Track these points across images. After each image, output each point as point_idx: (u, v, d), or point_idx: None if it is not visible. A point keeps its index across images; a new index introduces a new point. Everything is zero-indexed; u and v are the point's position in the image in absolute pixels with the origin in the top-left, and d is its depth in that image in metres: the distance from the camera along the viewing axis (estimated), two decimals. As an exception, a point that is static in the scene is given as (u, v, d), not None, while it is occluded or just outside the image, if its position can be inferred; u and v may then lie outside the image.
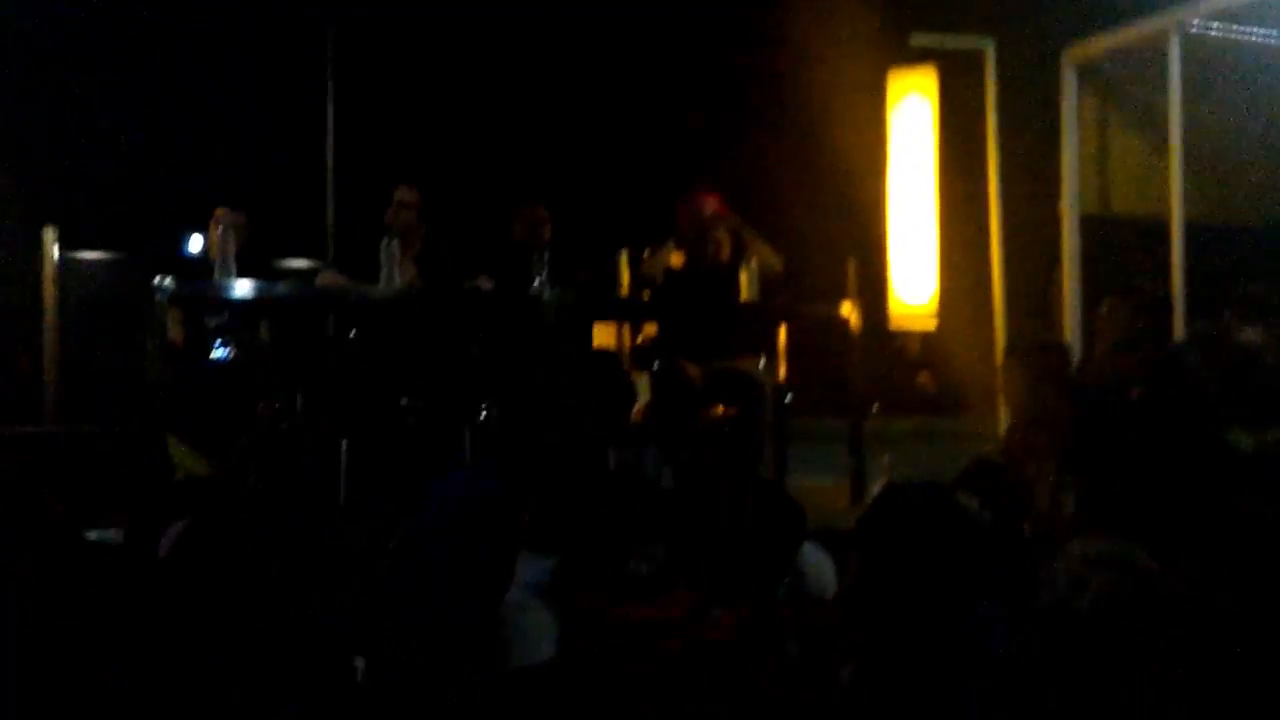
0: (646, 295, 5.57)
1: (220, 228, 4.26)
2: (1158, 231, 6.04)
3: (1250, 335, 5.09)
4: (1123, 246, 6.28)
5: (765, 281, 5.37)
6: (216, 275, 4.12)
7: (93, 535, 3.43)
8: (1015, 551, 3.26)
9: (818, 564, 3.52)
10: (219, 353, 4.31)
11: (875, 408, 5.85)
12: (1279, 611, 2.54)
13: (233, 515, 2.15)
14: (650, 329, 6.02)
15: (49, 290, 5.36)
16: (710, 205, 5.76)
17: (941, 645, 2.37)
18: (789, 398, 5.52)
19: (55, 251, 5.34)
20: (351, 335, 4.97)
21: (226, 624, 1.97)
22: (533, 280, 4.75)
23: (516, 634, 2.93)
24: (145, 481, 3.21)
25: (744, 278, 5.19)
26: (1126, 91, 6.45)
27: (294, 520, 2.45)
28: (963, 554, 2.55)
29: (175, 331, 4.48)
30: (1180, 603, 1.88)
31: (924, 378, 6.96)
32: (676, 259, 5.64)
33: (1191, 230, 5.99)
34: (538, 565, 3.32)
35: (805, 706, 2.23)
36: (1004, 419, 5.78)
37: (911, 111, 6.32)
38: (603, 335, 6.29)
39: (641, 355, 6.06)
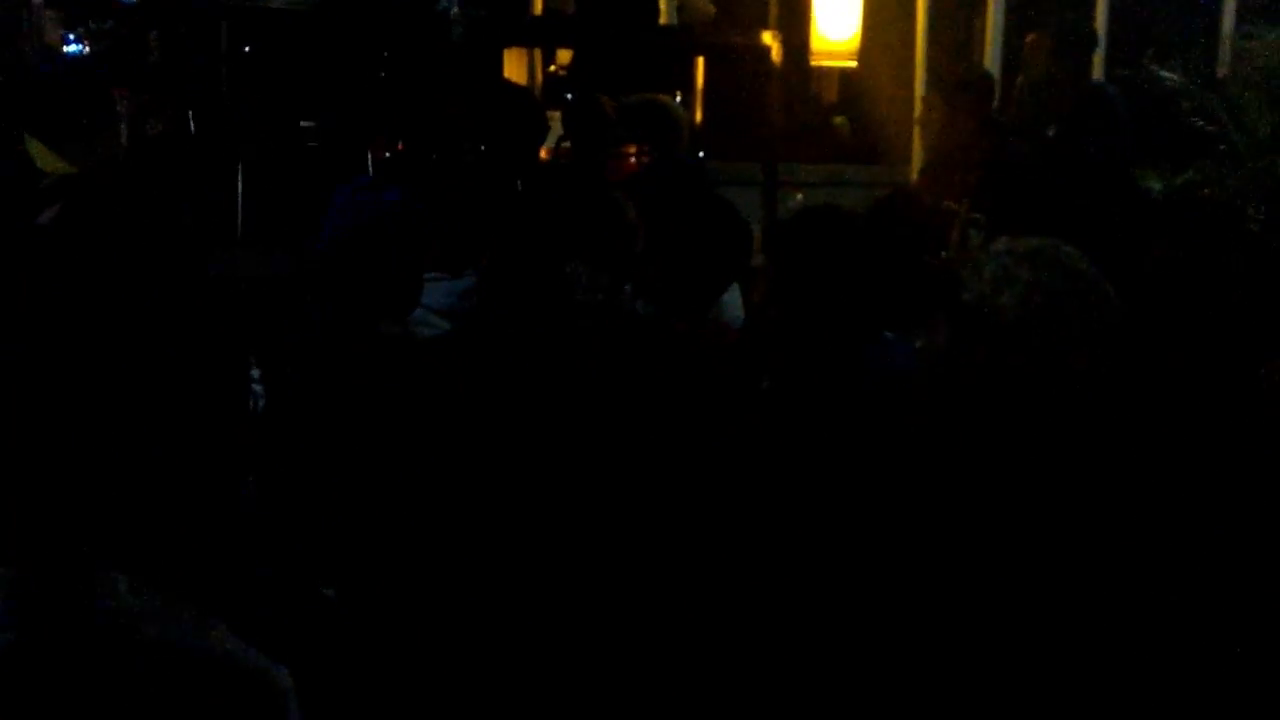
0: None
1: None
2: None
3: (1169, 77, 5.04)
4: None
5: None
6: (96, -29, 3.84)
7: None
8: (920, 284, 3.27)
9: (732, 294, 3.53)
10: (72, 48, 4.05)
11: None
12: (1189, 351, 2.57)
13: (107, 202, 2.03)
14: (564, 58, 5.81)
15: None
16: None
17: (841, 365, 2.38)
18: (700, 154, 5.41)
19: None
20: (246, 49, 4.71)
21: (104, 309, 1.86)
22: (439, -4, 4.51)
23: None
24: (13, 184, 3.04)
25: (661, 2, 4.97)
26: None
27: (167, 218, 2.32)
28: (867, 272, 2.55)
29: (53, 35, 4.19)
30: (1110, 302, 1.82)
31: (840, 122, 6.85)
32: None
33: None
34: (445, 287, 3.27)
35: (728, 417, 2.23)
36: (918, 167, 5.74)
37: None
38: (513, 67, 6.07)
39: (554, 88, 5.87)
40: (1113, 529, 1.76)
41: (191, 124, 4.36)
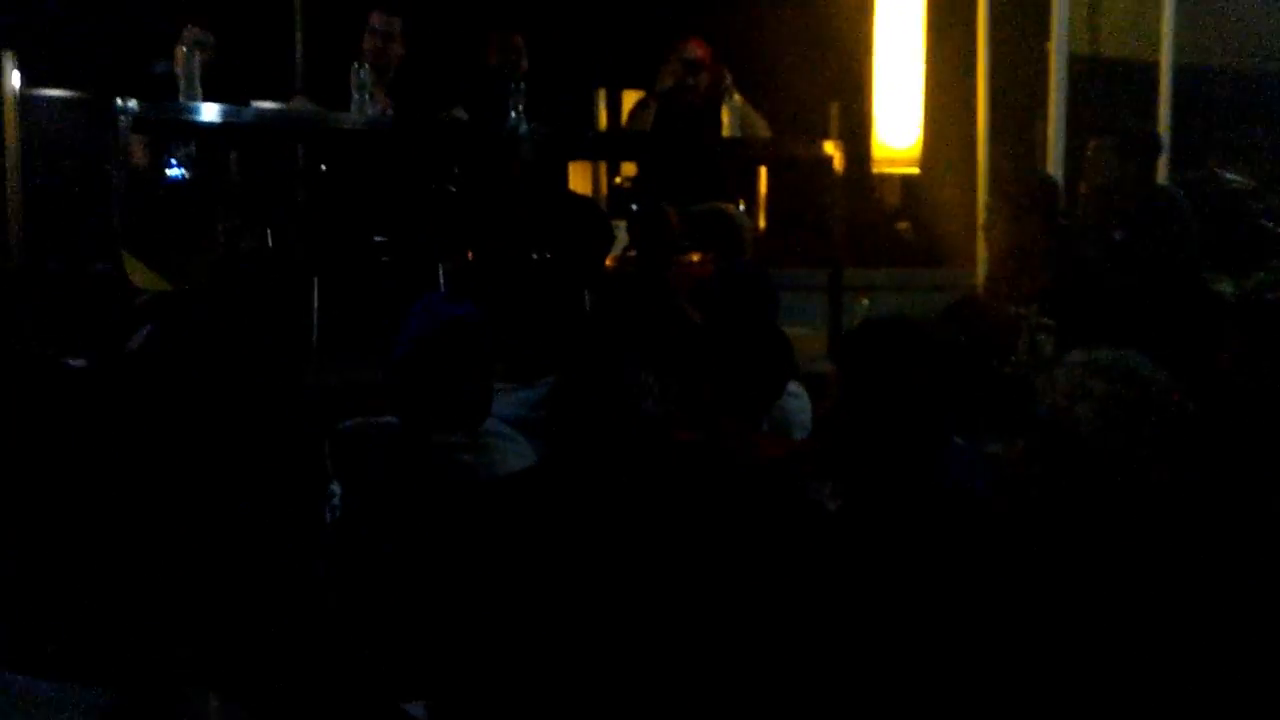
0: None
1: (186, 46, 4.11)
2: (1147, 73, 5.96)
3: (1235, 180, 5.04)
4: (1111, 88, 6.19)
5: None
6: (182, 97, 3.98)
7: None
8: (991, 390, 3.25)
9: (800, 401, 3.54)
10: (174, 172, 4.20)
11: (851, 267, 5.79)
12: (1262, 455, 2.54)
13: (198, 324, 2.08)
14: (629, 169, 5.92)
15: (9, 124, 5.18)
16: (696, 50, 5.63)
17: (913, 474, 2.36)
18: (764, 257, 5.47)
19: (15, 80, 5.15)
20: (322, 168, 4.85)
21: (192, 431, 1.91)
22: (509, 113, 4.63)
23: (496, 459, 2.92)
24: (113, 311, 3.15)
25: (725, 115, 5.07)
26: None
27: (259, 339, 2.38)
28: (938, 379, 2.53)
29: (140, 157, 4.35)
30: (1187, 416, 1.81)
31: (904, 226, 6.89)
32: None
33: (1180, 72, 5.91)
34: (515, 397, 3.31)
35: (793, 535, 2.22)
36: (983, 270, 5.76)
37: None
38: (579, 179, 6.20)
39: (620, 198, 5.97)
40: (1192, 641, 1.73)
41: (270, 240, 4.49)
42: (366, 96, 4.33)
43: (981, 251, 5.86)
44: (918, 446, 2.46)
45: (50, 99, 6.13)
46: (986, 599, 1.81)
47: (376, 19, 5.06)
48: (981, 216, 5.53)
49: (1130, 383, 1.81)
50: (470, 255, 4.99)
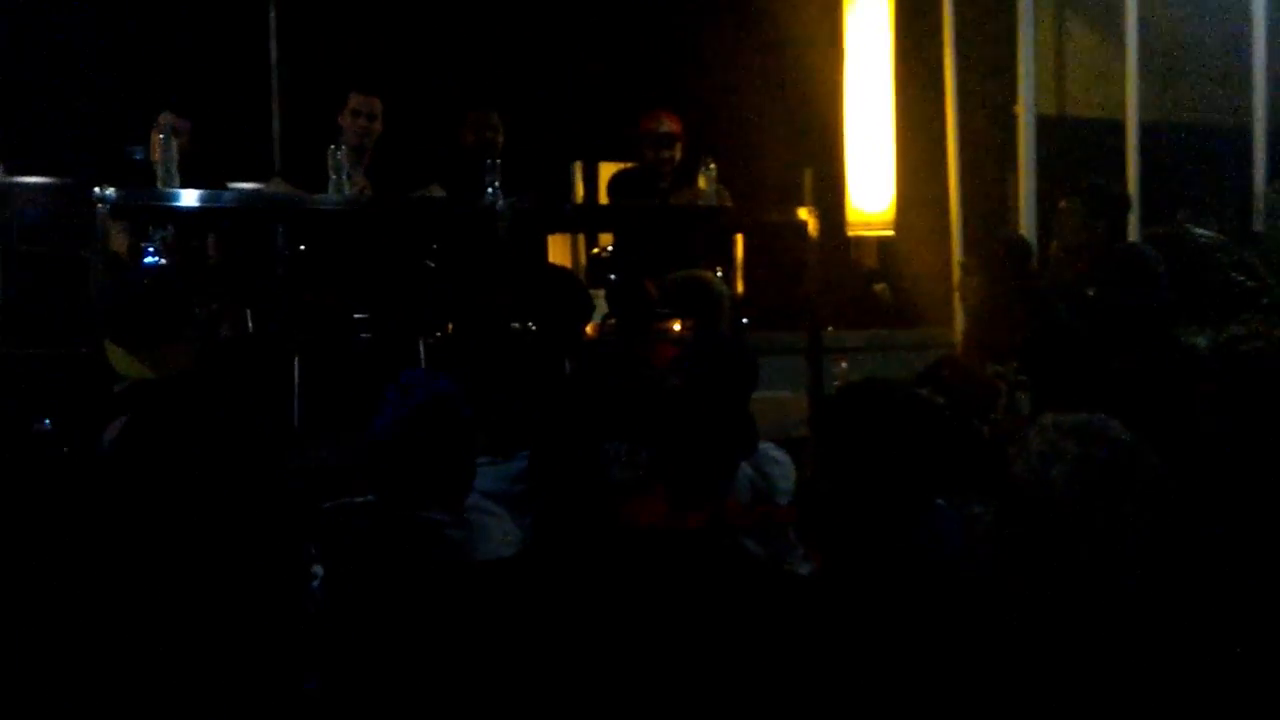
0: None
1: (162, 134, 4.15)
2: (1113, 131, 6.07)
3: (1204, 234, 5.11)
4: (1078, 147, 6.29)
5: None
6: (159, 184, 4.01)
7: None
8: (972, 451, 3.26)
9: (783, 467, 3.54)
10: (150, 259, 4.22)
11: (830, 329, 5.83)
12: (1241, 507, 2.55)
13: (178, 414, 2.09)
14: (606, 240, 5.96)
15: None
16: (666, 123, 5.70)
17: (896, 540, 2.37)
18: (744, 320, 5.50)
19: (-4, 168, 5.19)
20: (301, 248, 4.88)
21: (172, 523, 1.91)
22: (485, 190, 4.67)
23: (480, 535, 2.92)
24: (90, 397, 3.16)
25: (701, 182, 5.12)
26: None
27: (242, 427, 2.39)
28: (918, 443, 2.55)
29: (119, 243, 4.37)
30: (1158, 475, 1.83)
31: (880, 288, 6.95)
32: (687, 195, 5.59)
33: (1146, 130, 6.02)
34: (496, 471, 3.31)
35: (766, 605, 2.22)
36: (960, 329, 5.81)
37: (867, 14, 6.24)
38: (558, 250, 6.25)
39: (598, 268, 6.02)
40: (1170, 706, 1.73)
41: (249, 322, 4.50)
42: (344, 177, 4.37)
43: (957, 311, 5.92)
44: (898, 510, 2.47)
45: (29, 186, 6.16)
46: (963, 664, 1.81)
47: (356, 100, 5.12)
48: (956, 277, 5.59)
49: (1102, 444, 1.82)
50: (450, 329, 5.01)
